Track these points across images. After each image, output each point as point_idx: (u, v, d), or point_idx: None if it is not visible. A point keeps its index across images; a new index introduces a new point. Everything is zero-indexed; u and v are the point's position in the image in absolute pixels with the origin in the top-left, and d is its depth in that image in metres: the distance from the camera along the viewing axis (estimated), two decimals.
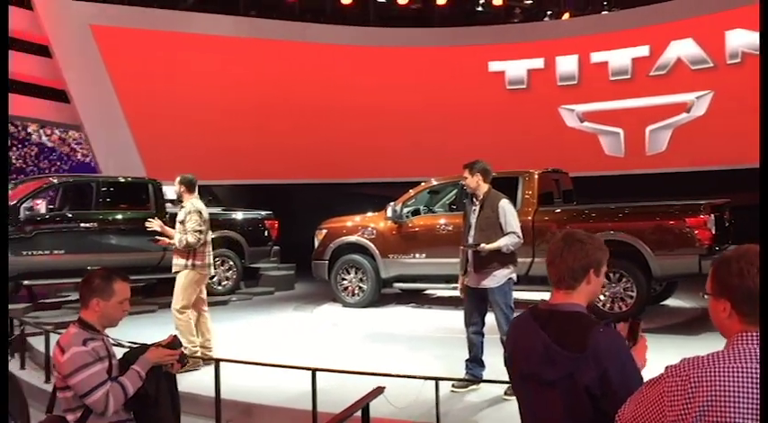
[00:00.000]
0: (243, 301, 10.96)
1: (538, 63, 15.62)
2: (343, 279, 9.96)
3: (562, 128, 15.25)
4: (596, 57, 15.06)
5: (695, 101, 14.06)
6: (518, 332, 2.44)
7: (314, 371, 4.93)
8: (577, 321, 2.24)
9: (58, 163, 17.46)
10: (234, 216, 11.88)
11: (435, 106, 15.51)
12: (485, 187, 5.61)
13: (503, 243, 5.42)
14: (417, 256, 9.37)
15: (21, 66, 13.30)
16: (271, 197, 14.78)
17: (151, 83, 13.65)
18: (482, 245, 5.41)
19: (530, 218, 8.53)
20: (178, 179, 7.03)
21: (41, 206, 9.53)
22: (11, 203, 9.42)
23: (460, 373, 5.54)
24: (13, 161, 16.74)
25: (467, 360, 5.57)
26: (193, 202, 6.81)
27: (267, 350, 6.93)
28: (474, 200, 5.67)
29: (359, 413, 4.19)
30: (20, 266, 9.21)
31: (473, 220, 5.61)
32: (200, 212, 6.67)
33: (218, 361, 5.31)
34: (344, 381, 5.09)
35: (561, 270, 2.31)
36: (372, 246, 9.72)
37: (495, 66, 15.84)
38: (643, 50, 14.66)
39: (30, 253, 9.31)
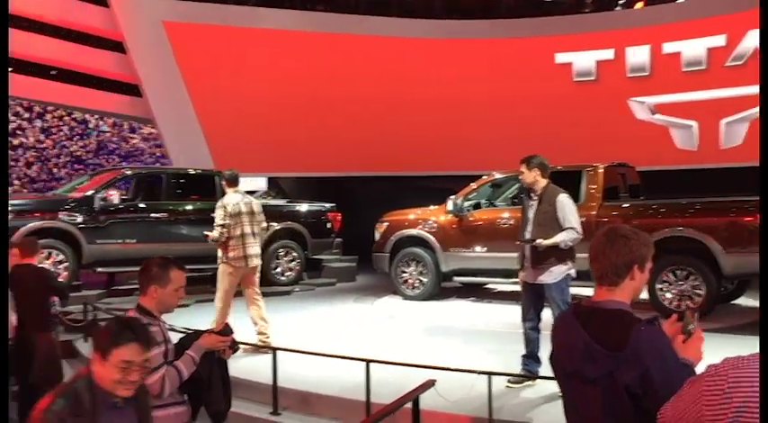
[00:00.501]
0: (305, 292, 11.15)
1: (607, 54, 15.23)
2: (404, 272, 10.00)
3: (631, 121, 14.84)
4: (669, 47, 14.57)
5: None
6: (561, 330, 2.42)
7: (368, 362, 5.00)
8: (619, 319, 2.20)
9: (114, 156, 18.09)
10: (298, 208, 12.09)
11: (500, 99, 15.34)
12: (543, 182, 5.53)
13: (560, 238, 5.33)
14: (478, 249, 9.32)
15: (97, 62, 13.86)
16: (335, 190, 14.96)
17: (220, 77, 13.99)
18: (539, 240, 5.34)
19: (593, 213, 8.36)
20: (222, 174, 7.32)
21: (115, 197, 9.90)
22: (87, 194, 9.88)
23: (516, 368, 5.49)
24: (74, 153, 17.44)
25: (523, 355, 5.52)
26: (225, 197, 7.05)
27: (326, 340, 7.02)
28: (531, 195, 5.60)
29: (410, 405, 4.23)
30: (94, 254, 9.66)
31: (530, 214, 5.53)
32: (225, 207, 6.89)
33: (275, 350, 5.44)
34: (399, 373, 5.13)
35: (604, 266, 2.27)
36: (433, 239, 9.72)
37: (562, 57, 15.53)
38: (719, 40, 14.10)
39: (103, 241, 9.72)
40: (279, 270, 11.25)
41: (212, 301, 9.67)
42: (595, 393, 2.19)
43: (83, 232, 9.56)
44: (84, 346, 7.87)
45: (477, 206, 9.56)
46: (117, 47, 13.81)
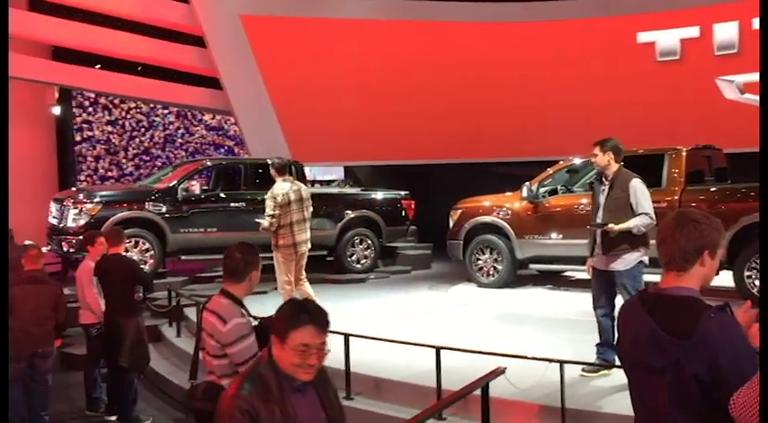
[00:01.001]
0: (380, 280, 11.23)
1: (692, 32, 14.55)
2: (478, 259, 9.93)
3: (718, 101, 14.15)
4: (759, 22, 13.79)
5: None
6: (626, 317, 2.36)
7: (438, 349, 5.01)
8: (687, 306, 2.12)
9: (180, 150, 18.69)
10: (373, 196, 12.18)
11: (579, 81, 14.93)
12: (615, 166, 5.37)
13: (633, 224, 5.18)
14: (554, 236, 9.15)
15: (179, 56, 14.32)
16: (410, 177, 14.98)
17: (296, 68, 14.21)
18: (610, 225, 5.20)
19: (676, 198, 8.07)
20: (270, 163, 7.56)
21: (196, 187, 10.24)
22: (171, 185, 10.26)
23: (591, 357, 5.37)
24: (140, 145, 18.15)
25: (597, 344, 5.39)
26: (275, 187, 7.22)
27: (400, 327, 7.08)
28: (603, 179, 5.45)
29: (479, 392, 4.21)
30: (178, 243, 10.04)
31: (602, 200, 5.39)
32: (275, 198, 7.08)
33: (347, 336, 5.52)
34: (471, 360, 5.12)
35: (673, 250, 2.20)
36: (507, 226, 9.61)
37: (644, 36, 14.95)
38: None
39: (186, 230, 10.09)
40: (354, 258, 11.39)
41: None
42: (662, 383, 2.13)
43: (167, 222, 9.94)
44: (170, 331, 8.23)
45: (553, 192, 9.37)
46: (198, 42, 14.22)
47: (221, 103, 14.34)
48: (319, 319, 2.37)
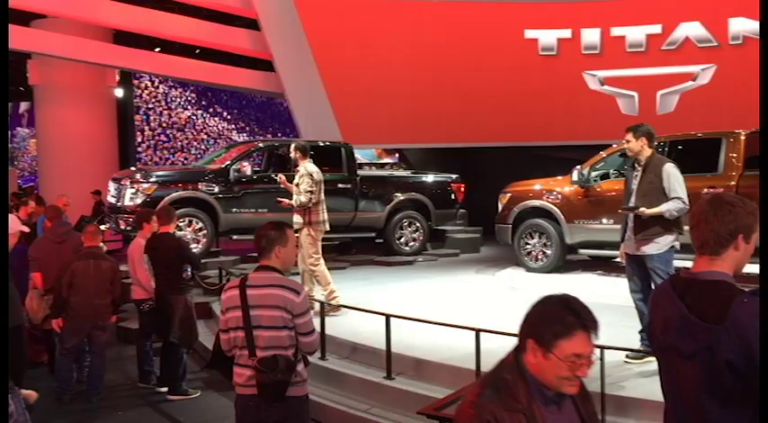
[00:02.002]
0: (428, 262, 11.25)
1: None
2: (527, 243, 9.84)
3: None
4: None
5: None
6: (657, 301, 2.33)
7: (477, 331, 5.01)
8: (719, 290, 2.08)
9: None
10: (422, 179, 12.18)
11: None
12: (648, 151, 5.31)
13: (665, 208, 5.10)
14: (604, 221, 8.98)
15: (234, 39, 14.54)
16: (461, 160, 14.90)
17: (347, 50, 14.22)
18: (642, 208, 5.13)
19: (733, 183, 7.81)
20: (293, 145, 7.67)
21: (248, 168, 10.40)
22: (223, 166, 10.46)
23: (637, 343, 5.29)
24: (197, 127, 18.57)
25: (640, 331, 5.31)
26: (307, 165, 7.37)
27: (444, 309, 7.08)
28: (636, 165, 5.38)
29: None
30: (230, 222, 10.25)
31: (634, 185, 5.34)
32: (312, 175, 7.24)
33: (388, 317, 5.56)
34: (513, 344, 5.07)
35: (705, 234, 2.14)
36: (557, 210, 9.48)
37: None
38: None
39: (237, 211, 10.28)
40: (402, 240, 11.42)
41: (340, 269, 10.06)
42: (693, 369, 2.09)
43: (219, 202, 10.15)
44: (219, 308, 8.42)
45: (605, 176, 9.19)
46: (252, 24, 14.38)
47: (274, 85, 14.49)
48: (591, 322, 2.01)
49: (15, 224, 4.63)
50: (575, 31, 14.82)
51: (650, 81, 14.36)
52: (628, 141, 5.34)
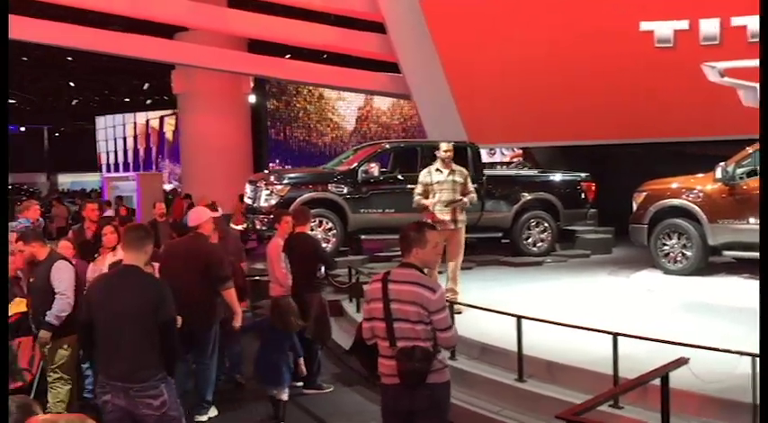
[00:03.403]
0: (557, 263, 10.98)
1: None
2: (664, 244, 9.37)
3: None
4: None
5: None
6: None
7: (615, 335, 4.84)
8: None
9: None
10: (550, 178, 11.92)
11: None
12: None
13: None
14: (752, 221, 8.40)
15: (361, 43, 14.86)
16: (591, 159, 14.40)
17: (473, 50, 14.11)
18: None
19: None
20: (451, 145, 7.90)
21: (375, 169, 10.61)
22: (351, 167, 10.72)
23: None
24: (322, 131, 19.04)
25: None
26: (458, 167, 7.64)
27: (575, 311, 6.88)
28: None
29: (659, 382, 4.02)
30: (358, 222, 10.50)
31: None
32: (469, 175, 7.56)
33: (519, 318, 5.48)
34: (651, 349, 4.88)
35: None
36: (699, 209, 8.97)
37: None
38: None
39: (366, 211, 10.51)
40: (530, 240, 11.23)
41: (466, 269, 9.97)
42: None
43: (348, 202, 10.42)
44: (350, 306, 8.64)
45: (752, 173, 8.60)
46: (378, 28, 14.63)
47: (400, 87, 14.67)
48: None
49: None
50: (692, 22, 13.91)
51: None
52: None
